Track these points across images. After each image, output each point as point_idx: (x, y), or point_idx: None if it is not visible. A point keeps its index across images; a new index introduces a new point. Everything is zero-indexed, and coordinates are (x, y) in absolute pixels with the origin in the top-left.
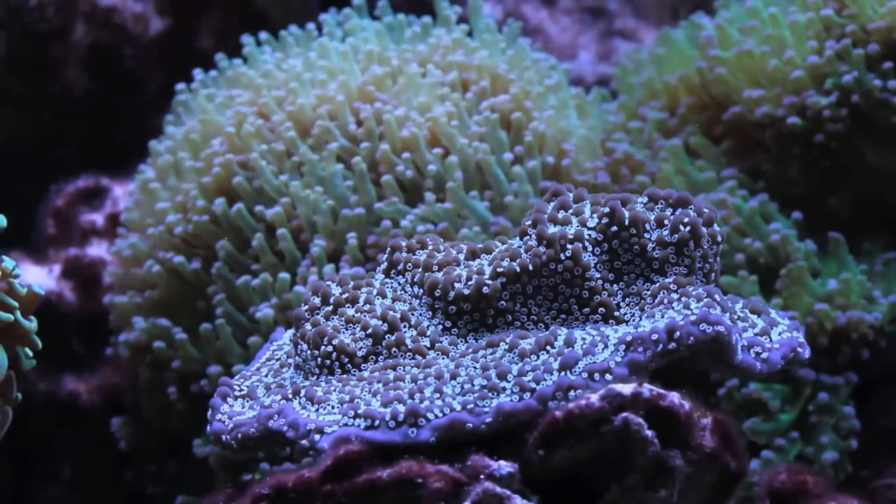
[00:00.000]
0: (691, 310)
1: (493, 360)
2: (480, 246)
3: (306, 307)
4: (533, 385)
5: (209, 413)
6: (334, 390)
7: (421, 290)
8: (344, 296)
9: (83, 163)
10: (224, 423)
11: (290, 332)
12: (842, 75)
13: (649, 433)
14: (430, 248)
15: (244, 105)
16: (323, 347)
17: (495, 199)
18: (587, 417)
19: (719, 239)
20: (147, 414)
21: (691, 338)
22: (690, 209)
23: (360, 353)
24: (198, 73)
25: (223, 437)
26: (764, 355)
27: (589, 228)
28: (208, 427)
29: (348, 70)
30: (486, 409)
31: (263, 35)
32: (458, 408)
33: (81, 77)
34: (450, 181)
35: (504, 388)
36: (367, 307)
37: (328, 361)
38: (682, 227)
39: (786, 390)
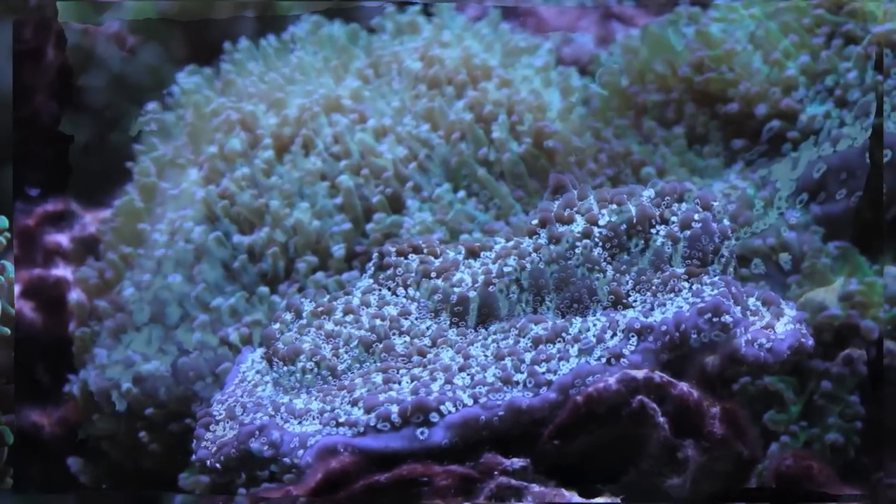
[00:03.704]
0: (702, 298)
1: (507, 347)
2: (478, 245)
3: (277, 325)
4: (549, 377)
5: (193, 444)
6: (315, 400)
7: (417, 293)
8: (319, 309)
9: (50, 188)
10: (209, 448)
11: (260, 350)
12: (846, 73)
13: (662, 419)
14: (426, 251)
15: (233, 111)
16: (299, 363)
17: (481, 196)
18: (605, 400)
19: (729, 234)
20: (114, 457)
21: (697, 328)
22: (697, 203)
23: (340, 366)
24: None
25: (207, 462)
26: (769, 346)
27: (599, 227)
28: (193, 456)
29: (325, 84)
30: (500, 403)
31: (244, 43)
32: (470, 402)
33: (50, 102)
34: (437, 191)
35: (518, 382)
36: (348, 317)
37: (306, 376)
38: (693, 224)
39: (794, 381)
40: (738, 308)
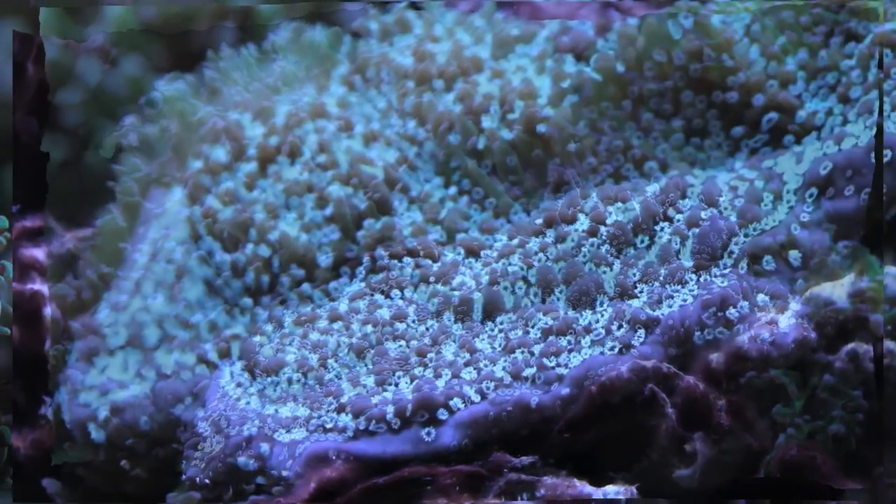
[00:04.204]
0: (709, 290)
1: (517, 339)
2: (477, 244)
3: (257, 337)
4: (561, 371)
5: (183, 464)
6: (301, 407)
7: (414, 295)
8: (302, 318)
9: (29, 205)
10: (198, 466)
11: (240, 364)
12: (849, 71)
13: (671, 410)
14: (422, 254)
15: (219, 119)
16: (283, 374)
17: (473, 193)
18: (618, 389)
19: (737, 230)
20: (92, 482)
21: (700, 324)
22: (701, 198)
23: (328, 375)
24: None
25: (197, 479)
26: (772, 339)
27: (606, 226)
28: (183, 476)
29: (309, 93)
30: (509, 399)
31: (226, 51)
32: (478, 398)
33: (29, 119)
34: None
35: (527, 378)
36: (335, 324)
37: (292, 385)
38: (700, 222)
39: (798, 375)
40: (747, 303)
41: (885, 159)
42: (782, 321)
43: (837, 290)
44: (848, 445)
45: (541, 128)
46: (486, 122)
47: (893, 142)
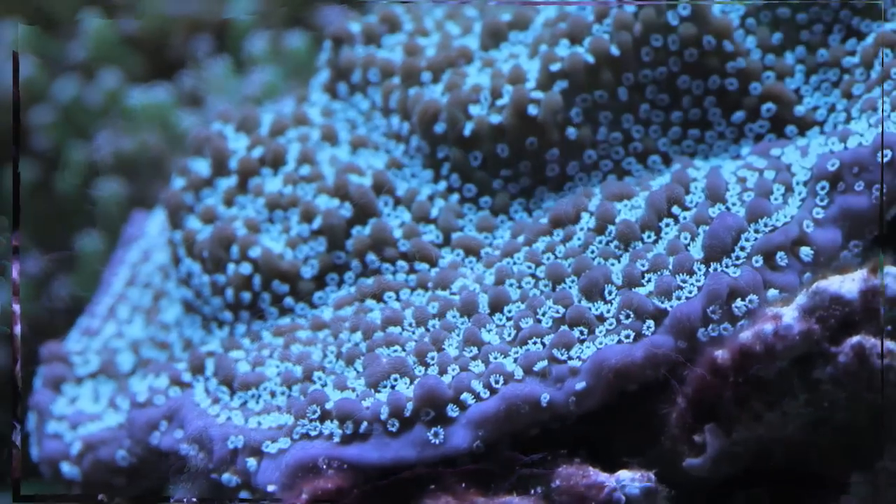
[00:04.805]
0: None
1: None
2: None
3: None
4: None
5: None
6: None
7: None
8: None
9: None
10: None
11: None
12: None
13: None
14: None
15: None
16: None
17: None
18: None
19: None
20: None
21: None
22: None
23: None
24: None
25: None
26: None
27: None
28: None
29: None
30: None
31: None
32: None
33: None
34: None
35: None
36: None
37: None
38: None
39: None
40: (756, 297)
41: (886, 159)
42: (787, 314)
43: (847, 284)
44: (849, 436)
45: (531, 110)
46: (475, 111)
47: (893, 141)
